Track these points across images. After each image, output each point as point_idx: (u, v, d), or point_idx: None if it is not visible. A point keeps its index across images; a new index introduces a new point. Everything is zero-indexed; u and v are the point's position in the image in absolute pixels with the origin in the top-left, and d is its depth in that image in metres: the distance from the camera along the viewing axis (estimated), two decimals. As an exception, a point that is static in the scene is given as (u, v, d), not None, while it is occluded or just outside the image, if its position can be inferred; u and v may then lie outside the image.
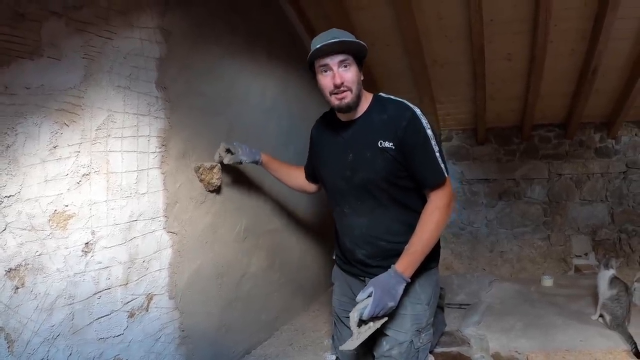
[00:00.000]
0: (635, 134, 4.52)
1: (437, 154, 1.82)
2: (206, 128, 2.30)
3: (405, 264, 1.79)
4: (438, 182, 1.82)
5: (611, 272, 2.81)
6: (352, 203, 1.95)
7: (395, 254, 1.85)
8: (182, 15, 2.18)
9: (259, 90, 2.80)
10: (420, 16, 3.39)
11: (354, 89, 1.83)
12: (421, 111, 1.86)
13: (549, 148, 4.64)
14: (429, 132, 1.82)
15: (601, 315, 2.85)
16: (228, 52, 2.52)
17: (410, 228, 1.86)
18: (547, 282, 3.84)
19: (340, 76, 1.80)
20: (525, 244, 4.61)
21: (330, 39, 1.78)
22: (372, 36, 3.45)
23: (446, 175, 1.83)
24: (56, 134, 1.55)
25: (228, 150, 2.28)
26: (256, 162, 2.35)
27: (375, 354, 1.96)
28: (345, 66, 1.81)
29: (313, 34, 3.53)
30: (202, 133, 2.26)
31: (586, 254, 4.45)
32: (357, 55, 1.86)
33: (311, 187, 2.36)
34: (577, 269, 4.43)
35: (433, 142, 1.82)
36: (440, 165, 1.82)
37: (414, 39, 3.54)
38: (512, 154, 4.72)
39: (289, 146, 3.08)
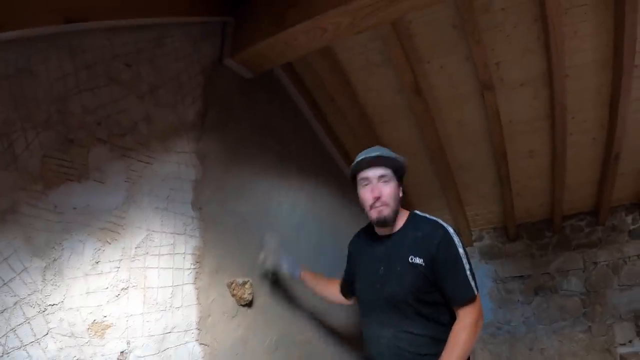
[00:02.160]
0: (667, 210, 4.42)
1: (468, 272, 1.87)
2: (239, 245, 2.40)
3: None
4: (468, 299, 1.86)
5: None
6: (379, 315, 1.99)
7: None
8: (217, 139, 2.36)
9: (289, 206, 2.91)
10: (441, 125, 3.55)
11: (392, 204, 1.95)
12: (454, 230, 1.94)
13: (581, 237, 4.56)
14: (461, 250, 1.89)
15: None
16: (260, 171, 2.67)
17: (435, 341, 1.88)
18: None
19: (379, 190, 1.93)
20: (566, 338, 4.40)
21: (373, 154, 1.93)
22: (396, 146, 3.59)
23: (476, 292, 1.87)
24: (98, 250, 1.68)
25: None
26: (294, 276, 2.42)
27: None
28: (385, 181, 1.94)
29: (341, 148, 3.73)
30: (234, 250, 2.36)
31: (630, 341, 4.20)
32: (397, 172, 1.99)
33: (347, 300, 2.42)
34: (623, 358, 4.19)
35: (464, 260, 1.88)
36: (470, 283, 1.86)
37: (437, 146, 3.68)
38: (544, 248, 4.65)
39: (319, 259, 3.11)
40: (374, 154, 1.97)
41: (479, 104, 3.39)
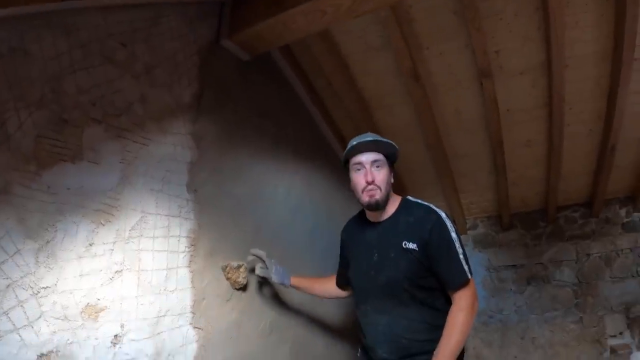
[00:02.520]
0: (662, 205, 4.45)
1: (461, 256, 1.88)
2: (234, 228, 2.39)
3: None
4: (462, 283, 1.87)
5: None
6: (374, 301, 2.00)
7: (416, 352, 1.88)
8: (213, 121, 2.34)
9: (285, 190, 2.90)
10: (438, 111, 3.53)
11: (384, 188, 1.94)
12: (446, 214, 1.94)
13: (575, 228, 4.58)
14: (454, 234, 1.90)
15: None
16: (256, 154, 2.66)
17: (431, 326, 1.90)
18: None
19: (372, 174, 1.92)
20: (557, 328, 4.44)
21: (366, 139, 1.93)
22: (393, 132, 3.58)
23: (469, 276, 1.88)
24: (92, 232, 1.66)
25: (263, 262, 2.36)
26: (284, 285, 2.41)
27: None
28: (378, 166, 1.95)
29: (337, 133, 3.70)
30: (229, 233, 2.35)
31: (621, 333, 4.25)
32: (390, 157, 1.98)
33: (344, 292, 2.42)
34: (613, 350, 4.23)
35: (457, 245, 1.89)
36: (463, 267, 1.87)
37: (433, 133, 3.66)
38: (538, 238, 4.67)
39: (314, 243, 3.12)
40: (367, 139, 1.97)
41: (477, 91, 3.37)
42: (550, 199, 4.37)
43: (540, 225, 4.67)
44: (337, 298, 2.50)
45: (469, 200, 4.67)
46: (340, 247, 2.32)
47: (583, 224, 4.56)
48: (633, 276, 4.36)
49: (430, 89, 3.34)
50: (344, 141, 3.67)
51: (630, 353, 3.01)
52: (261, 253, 2.35)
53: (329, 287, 2.44)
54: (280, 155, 2.91)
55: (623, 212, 4.48)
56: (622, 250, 4.40)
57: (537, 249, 4.64)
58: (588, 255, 4.49)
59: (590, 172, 4.17)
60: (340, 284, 2.39)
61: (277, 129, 2.93)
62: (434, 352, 1.83)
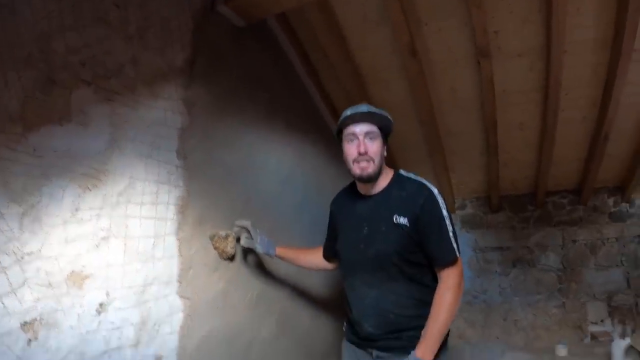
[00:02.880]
0: (650, 197, 4.51)
1: (451, 234, 1.87)
2: (223, 197, 2.36)
3: (424, 348, 1.80)
4: (450, 260, 1.86)
5: (627, 341, 2.76)
6: (363, 275, 1.98)
7: (403, 328, 1.88)
8: (206, 87, 2.29)
9: (276, 160, 2.88)
10: (433, 89, 3.50)
11: (377, 160, 1.91)
12: (438, 191, 1.92)
13: (563, 214, 4.62)
14: (445, 212, 1.89)
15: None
16: (248, 122, 2.62)
17: (419, 302, 1.90)
18: (562, 351, 3.74)
19: (365, 145, 1.89)
20: (540, 311, 4.51)
21: (361, 110, 1.90)
22: (387, 108, 3.50)
23: (458, 254, 1.87)
24: (79, 197, 1.62)
25: (249, 232, 2.33)
26: (269, 256, 2.39)
27: None
28: (371, 138, 1.91)
29: (331, 106, 3.66)
30: (219, 202, 2.32)
31: (602, 321, 4.34)
32: (384, 130, 1.95)
33: (330, 265, 2.40)
34: (593, 336, 4.34)
35: (447, 222, 1.88)
36: (453, 245, 1.87)
37: (427, 110, 3.63)
38: (526, 221, 4.71)
39: (303, 216, 3.11)
40: (362, 110, 1.93)
41: (473, 71, 3.34)
42: (540, 183, 4.40)
43: (529, 209, 4.71)
44: (323, 270, 2.48)
45: (459, 180, 4.68)
46: (329, 218, 2.29)
47: (571, 211, 4.60)
48: (617, 265, 4.42)
49: (427, 65, 3.30)
50: (337, 114, 3.62)
51: (612, 341, 3.06)
52: (246, 223, 2.33)
53: (314, 258, 2.42)
54: (272, 125, 2.87)
55: (611, 201, 4.53)
56: (607, 239, 4.46)
57: (524, 232, 4.68)
58: (574, 241, 4.54)
59: (582, 159, 4.19)
60: (327, 256, 2.37)
61: (271, 98, 2.88)
62: (422, 332, 1.83)
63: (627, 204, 4.51)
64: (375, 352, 1.95)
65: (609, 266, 4.43)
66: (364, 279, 1.98)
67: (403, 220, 1.88)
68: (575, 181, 4.51)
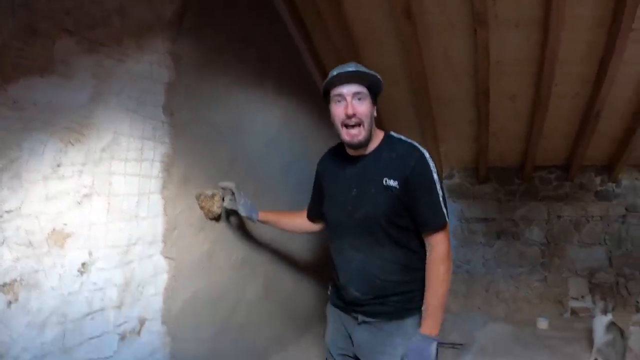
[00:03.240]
0: (636, 178, 4.52)
1: (441, 198, 1.83)
2: (209, 156, 2.31)
3: (429, 324, 1.80)
4: (439, 226, 1.83)
5: (608, 317, 2.80)
6: (350, 238, 1.94)
7: (389, 294, 1.86)
8: (194, 42, 2.21)
9: (263, 121, 2.82)
10: (427, 53, 3.43)
11: (366, 123, 1.84)
12: (429, 155, 1.87)
13: (549, 190, 4.64)
14: (435, 176, 1.84)
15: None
16: (236, 81, 2.55)
17: (405, 268, 1.87)
18: (543, 324, 3.81)
19: (353, 107, 1.81)
20: (522, 284, 4.58)
21: (348, 69, 1.81)
22: (378, 70, 3.44)
23: (447, 220, 1.84)
24: (61, 152, 1.55)
25: (232, 194, 2.29)
26: (251, 219, 2.34)
27: None
28: (360, 98, 1.83)
29: (322, 67, 3.58)
30: (205, 160, 2.27)
31: (583, 297, 4.43)
32: (373, 90, 1.88)
33: (315, 226, 2.34)
34: (573, 311, 4.44)
35: (438, 186, 1.83)
36: (442, 209, 1.83)
37: (419, 76, 3.56)
38: (512, 194, 4.72)
39: (289, 178, 3.07)
40: (349, 69, 1.84)
41: (469, 37, 3.27)
42: (529, 157, 4.39)
43: (516, 182, 4.72)
44: (307, 232, 2.43)
45: (448, 149, 4.66)
46: (315, 178, 2.21)
47: (557, 186, 4.63)
48: (600, 244, 4.49)
49: (422, 28, 3.21)
50: (326, 75, 3.55)
51: (591, 317, 3.13)
52: (230, 184, 2.28)
53: (298, 221, 2.37)
54: (261, 85, 2.80)
55: (598, 180, 4.56)
56: (592, 217, 4.51)
57: (510, 205, 4.70)
58: (559, 217, 4.58)
59: (572, 135, 4.18)
60: (311, 217, 2.31)
61: (260, 57, 2.81)
62: (422, 308, 1.82)
63: (614, 184, 4.55)
64: (360, 317, 1.93)
65: (592, 244, 4.49)
66: (351, 243, 1.94)
67: (393, 182, 1.82)
68: (563, 157, 4.52)
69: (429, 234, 1.84)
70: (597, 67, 3.37)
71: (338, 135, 1.90)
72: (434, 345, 1.79)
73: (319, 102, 3.40)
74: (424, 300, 1.82)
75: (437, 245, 1.83)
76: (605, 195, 4.53)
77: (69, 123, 1.58)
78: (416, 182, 1.81)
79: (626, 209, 4.51)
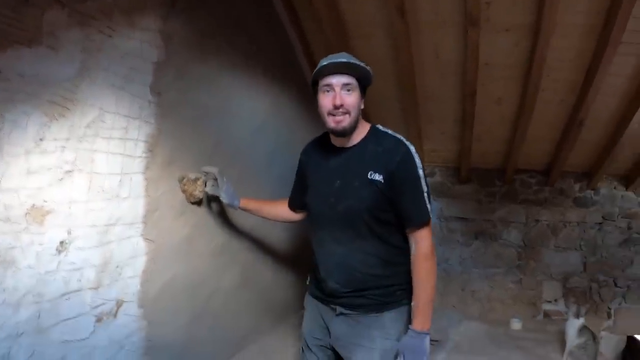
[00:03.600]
0: (614, 187, 4.61)
1: (425, 194, 1.82)
2: (194, 139, 2.28)
3: (420, 319, 1.81)
4: (423, 221, 1.82)
5: (581, 320, 2.85)
6: (332, 230, 1.92)
7: (369, 287, 1.86)
8: (185, 22, 2.17)
9: (251, 108, 2.79)
10: (417, 51, 3.42)
11: (353, 114, 1.82)
12: (415, 150, 1.86)
13: (529, 193, 4.70)
14: (420, 171, 1.82)
15: (567, 362, 2.87)
16: (225, 65, 2.51)
17: (385, 262, 1.86)
18: (516, 325, 3.86)
19: (341, 98, 1.79)
20: (497, 285, 4.65)
21: (339, 60, 1.79)
22: (366, 62, 3.47)
23: (431, 216, 1.84)
24: (44, 126, 1.51)
25: (215, 179, 2.26)
26: (233, 207, 2.32)
27: None
28: (348, 90, 1.81)
29: (311, 57, 3.56)
30: (189, 143, 2.24)
31: (556, 300, 4.51)
32: (363, 82, 1.86)
33: (296, 216, 2.31)
34: (546, 314, 4.52)
35: (423, 182, 1.82)
36: (427, 206, 1.82)
37: (408, 72, 3.56)
38: (492, 196, 4.77)
39: (272, 167, 3.05)
40: (340, 60, 1.81)
41: (460, 38, 3.28)
42: (511, 160, 4.43)
43: (496, 184, 4.76)
44: (288, 221, 2.41)
45: (431, 147, 4.67)
46: (298, 168, 2.19)
47: (537, 191, 4.69)
48: (576, 249, 4.57)
49: (414, 25, 3.20)
50: (315, 66, 3.53)
51: (564, 320, 3.19)
52: (213, 170, 2.25)
53: (279, 209, 2.35)
54: (250, 71, 2.77)
55: (577, 186, 4.64)
56: (569, 222, 4.59)
57: (490, 206, 4.74)
58: (537, 221, 4.64)
59: (554, 140, 4.23)
60: (293, 207, 2.29)
61: (250, 43, 2.78)
62: (413, 305, 1.83)
63: (592, 191, 4.63)
64: (338, 309, 1.93)
65: (567, 248, 4.57)
66: (333, 235, 1.92)
67: (378, 177, 1.80)
68: (545, 162, 4.57)
69: (412, 230, 1.84)
70: (583, 76, 3.40)
71: (324, 124, 1.88)
72: (427, 340, 1.81)
73: (305, 93, 3.40)
74: (414, 297, 1.82)
75: (422, 241, 1.82)
76: (584, 202, 4.61)
77: (54, 97, 1.54)
78: (401, 177, 1.80)
79: (603, 217, 4.59)
